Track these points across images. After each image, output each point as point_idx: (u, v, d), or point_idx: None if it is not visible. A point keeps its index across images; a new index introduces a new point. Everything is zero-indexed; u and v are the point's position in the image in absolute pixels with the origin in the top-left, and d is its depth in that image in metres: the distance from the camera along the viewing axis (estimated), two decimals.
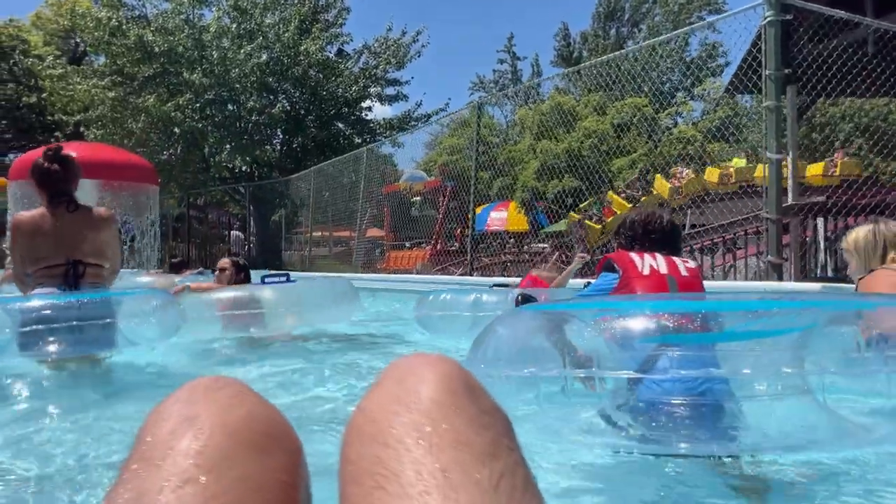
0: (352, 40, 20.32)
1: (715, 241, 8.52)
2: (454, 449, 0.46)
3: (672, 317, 1.65)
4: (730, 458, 1.76)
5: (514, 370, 1.68)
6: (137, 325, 3.32)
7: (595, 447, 1.79)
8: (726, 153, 16.79)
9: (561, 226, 13.81)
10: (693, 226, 11.55)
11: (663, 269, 2.17)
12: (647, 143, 18.37)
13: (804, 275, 6.13)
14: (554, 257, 12.47)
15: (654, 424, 1.62)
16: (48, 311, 2.96)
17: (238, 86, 18.44)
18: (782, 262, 4.71)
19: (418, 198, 14.15)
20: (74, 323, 2.98)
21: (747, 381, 1.60)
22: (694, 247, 8.91)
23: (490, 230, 15.07)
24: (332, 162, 15.64)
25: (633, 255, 2.23)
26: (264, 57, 18.59)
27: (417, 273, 12.86)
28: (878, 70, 5.95)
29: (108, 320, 3.12)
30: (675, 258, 2.26)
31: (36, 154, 14.13)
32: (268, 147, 19.42)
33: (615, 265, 2.23)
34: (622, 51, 11.09)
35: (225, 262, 4.75)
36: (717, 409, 1.63)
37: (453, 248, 13.61)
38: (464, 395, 0.51)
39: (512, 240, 14.68)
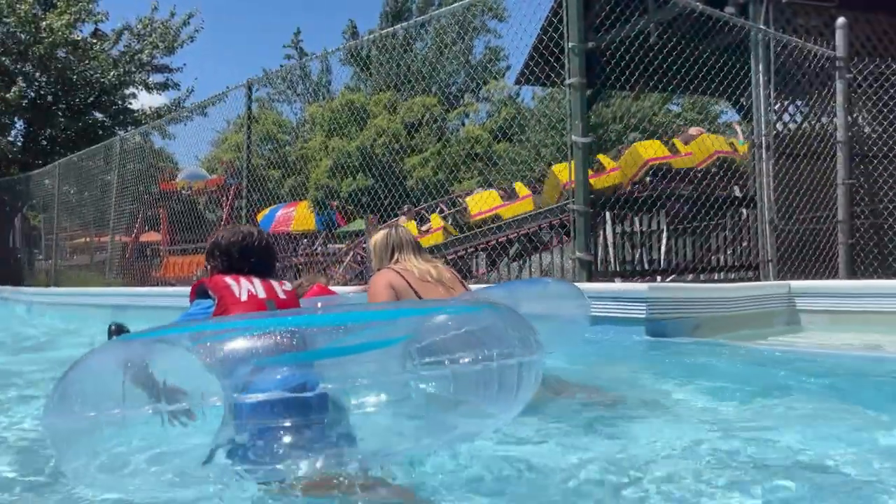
0: (107, 19, 18.87)
1: (511, 237, 9.27)
2: None
3: (272, 335, 1.68)
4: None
5: (100, 411, 1.57)
6: None
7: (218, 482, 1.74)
8: (512, 152, 18.46)
9: (359, 225, 14.19)
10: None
11: (261, 294, 2.24)
12: (437, 142, 19.52)
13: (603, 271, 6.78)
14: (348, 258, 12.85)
15: (264, 448, 1.64)
16: None
17: None
18: (591, 259, 5.27)
19: (202, 198, 13.65)
20: None
21: (352, 392, 1.70)
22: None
23: (277, 231, 14.92)
24: (82, 154, 14.44)
25: (229, 280, 2.25)
26: None
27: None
28: (657, 62, 6.73)
29: None
30: (272, 281, 2.34)
31: None
32: (1, 138, 17.32)
33: (210, 292, 2.25)
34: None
35: None
36: (325, 421, 1.71)
37: None
38: None
39: (305, 240, 14.73)
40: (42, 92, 18.02)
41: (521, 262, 9.54)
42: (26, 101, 17.36)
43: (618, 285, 4.37)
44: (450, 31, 15.41)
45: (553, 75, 7.47)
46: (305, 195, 15.78)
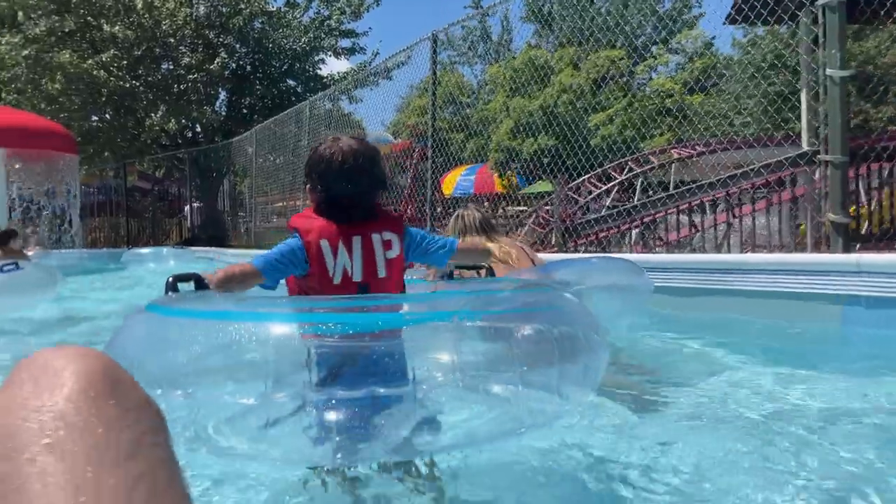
0: None
1: (716, 197, 8.59)
2: (88, 454, 0.46)
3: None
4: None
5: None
6: None
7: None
8: (708, 105, 17.17)
9: (543, 186, 13.92)
10: (682, 183, 11.71)
11: (357, 276, 1.96)
12: (624, 97, 18.61)
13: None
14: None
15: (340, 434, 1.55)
16: None
17: (172, 40, 17.82)
18: (849, 222, 4.57)
19: (389, 161, 14.04)
20: None
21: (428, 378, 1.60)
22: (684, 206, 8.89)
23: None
24: (275, 120, 15.34)
25: (325, 245, 1.95)
26: (202, 9, 18.01)
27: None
28: None
29: None
30: (375, 245, 2.00)
31: None
32: (206, 108, 18.88)
33: (305, 251, 1.96)
34: None
35: None
36: (396, 412, 1.61)
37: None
38: (106, 393, 0.50)
39: (486, 203, 14.74)
40: (241, 62, 19.43)
41: (728, 224, 8.75)
42: (228, 71, 18.78)
43: None
44: None
45: (768, 11, 6.60)
46: (487, 157, 15.74)
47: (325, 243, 1.95)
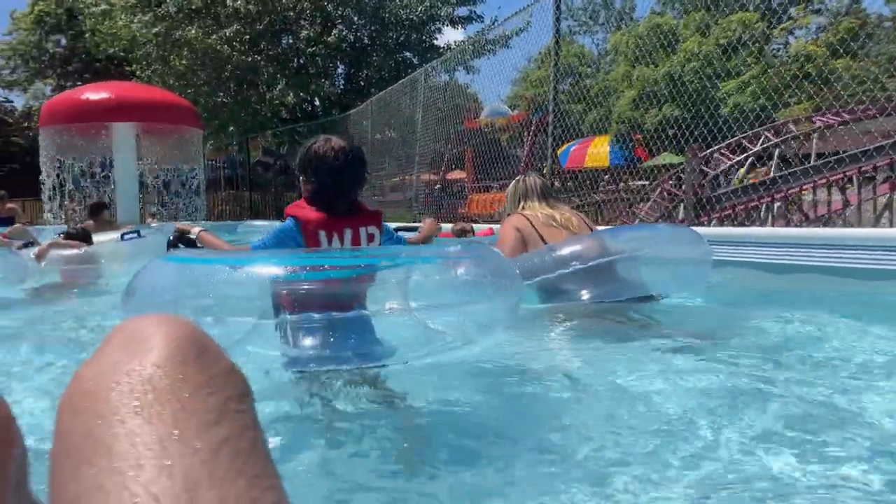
0: None
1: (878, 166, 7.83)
2: (175, 417, 0.48)
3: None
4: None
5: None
6: None
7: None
8: (856, 69, 15.79)
9: (667, 158, 13.26)
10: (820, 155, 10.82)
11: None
12: (758, 62, 17.43)
13: None
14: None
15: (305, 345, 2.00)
16: None
17: (291, 13, 18.17)
18: None
19: (505, 135, 13.77)
20: None
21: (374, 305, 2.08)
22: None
23: (572, 167, 14.59)
24: (390, 91, 15.28)
25: (322, 235, 2.28)
26: None
27: (499, 216, 12.55)
28: None
29: None
30: (361, 237, 2.35)
31: (65, 96, 14.14)
32: (324, 81, 19.20)
33: (300, 230, 2.28)
34: None
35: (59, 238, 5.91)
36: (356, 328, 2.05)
37: None
38: (193, 359, 0.52)
39: (607, 177, 14.20)
40: (359, 34, 19.61)
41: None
42: (346, 44, 19.00)
43: None
44: None
45: None
46: (607, 129, 15.15)
47: (321, 233, 2.28)
